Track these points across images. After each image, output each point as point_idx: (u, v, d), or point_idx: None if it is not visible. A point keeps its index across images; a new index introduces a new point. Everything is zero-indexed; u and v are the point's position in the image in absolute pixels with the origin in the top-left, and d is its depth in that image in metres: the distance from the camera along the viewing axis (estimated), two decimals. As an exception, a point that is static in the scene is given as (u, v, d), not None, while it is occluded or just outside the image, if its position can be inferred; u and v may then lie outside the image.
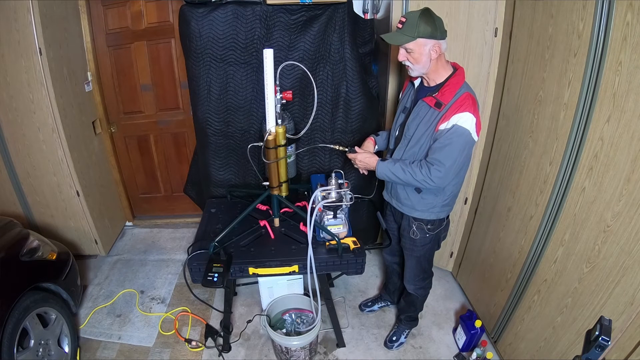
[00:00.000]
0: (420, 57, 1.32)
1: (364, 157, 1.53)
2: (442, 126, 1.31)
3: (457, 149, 1.30)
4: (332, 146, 1.63)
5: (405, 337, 1.94)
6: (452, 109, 1.30)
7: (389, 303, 2.13)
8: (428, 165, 1.34)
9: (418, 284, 1.77)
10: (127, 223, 2.91)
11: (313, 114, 1.62)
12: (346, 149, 1.60)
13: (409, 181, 1.38)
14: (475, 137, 1.32)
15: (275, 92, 1.42)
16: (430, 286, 1.84)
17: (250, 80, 1.95)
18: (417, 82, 1.47)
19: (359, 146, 1.62)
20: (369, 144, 1.66)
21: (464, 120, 1.28)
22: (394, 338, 1.92)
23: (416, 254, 1.64)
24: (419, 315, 1.98)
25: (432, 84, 1.39)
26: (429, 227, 1.54)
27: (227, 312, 1.82)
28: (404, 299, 1.92)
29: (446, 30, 1.31)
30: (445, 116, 1.31)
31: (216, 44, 1.85)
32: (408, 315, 1.92)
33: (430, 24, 1.26)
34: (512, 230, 1.67)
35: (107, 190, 2.60)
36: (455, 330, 1.99)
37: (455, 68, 1.39)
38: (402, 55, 1.35)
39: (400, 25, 1.31)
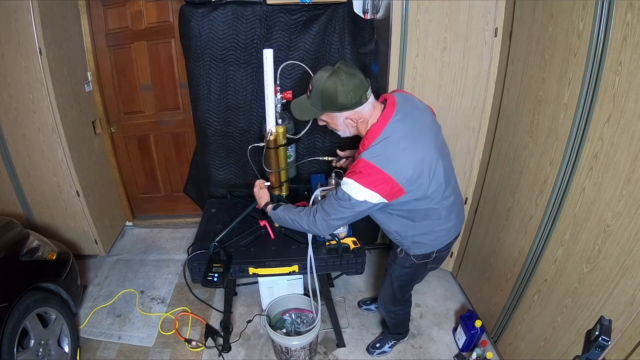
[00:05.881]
0: (337, 127, 1.25)
1: (257, 192, 1.54)
2: (340, 181, 1.22)
3: (339, 206, 1.20)
4: (321, 158, 1.60)
5: (390, 348, 1.89)
6: (348, 170, 1.21)
7: None
8: (316, 212, 1.27)
9: (388, 308, 1.71)
10: (127, 223, 2.91)
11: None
12: (333, 158, 1.59)
13: (297, 228, 1.34)
14: (361, 199, 1.15)
15: (276, 92, 1.42)
16: (405, 312, 1.77)
17: (250, 80, 1.96)
18: None
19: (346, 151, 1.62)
20: (354, 153, 1.60)
21: (345, 184, 1.18)
22: (377, 345, 1.88)
23: (392, 272, 1.56)
24: (407, 329, 1.91)
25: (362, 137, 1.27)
26: (413, 254, 1.44)
27: (227, 312, 1.82)
28: None
29: (367, 93, 1.16)
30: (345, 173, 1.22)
31: (216, 44, 1.86)
32: (387, 330, 1.89)
33: (337, 96, 1.13)
34: (512, 230, 1.67)
35: (107, 190, 2.60)
36: (455, 330, 1.99)
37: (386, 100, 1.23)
38: (319, 122, 1.28)
39: (308, 93, 1.20)
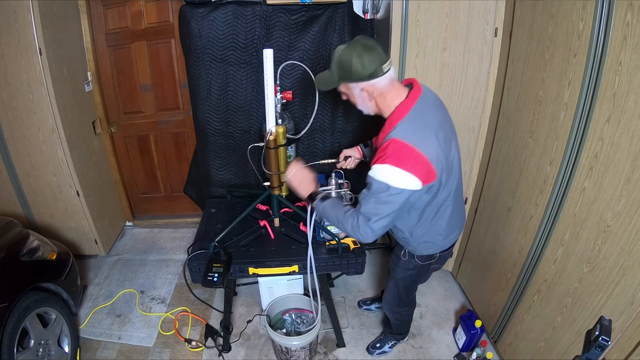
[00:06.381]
0: (355, 100, 1.21)
1: (300, 178, 1.37)
2: (369, 172, 1.16)
3: (378, 202, 1.13)
4: (322, 162, 1.62)
5: (390, 348, 1.89)
6: (376, 157, 1.14)
7: None
8: (357, 215, 1.19)
9: (393, 309, 1.71)
10: (127, 223, 2.91)
11: (314, 114, 1.62)
12: (333, 161, 1.59)
13: (340, 229, 1.27)
14: (400, 186, 1.09)
15: (276, 92, 1.42)
16: (409, 314, 1.79)
17: (250, 80, 1.96)
18: None
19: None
20: (354, 152, 1.61)
21: (379, 172, 1.11)
22: (378, 345, 1.88)
23: (395, 275, 1.55)
24: (408, 330, 1.92)
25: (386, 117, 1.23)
26: (418, 255, 1.44)
27: (227, 312, 1.82)
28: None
29: (383, 66, 1.11)
30: (373, 161, 1.15)
31: (216, 44, 1.86)
32: (389, 330, 1.89)
33: (351, 66, 1.10)
34: (512, 230, 1.67)
35: (107, 190, 2.60)
36: (455, 330, 1.99)
37: (411, 86, 1.21)
38: (342, 96, 1.25)
39: (330, 66, 1.19)
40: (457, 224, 1.40)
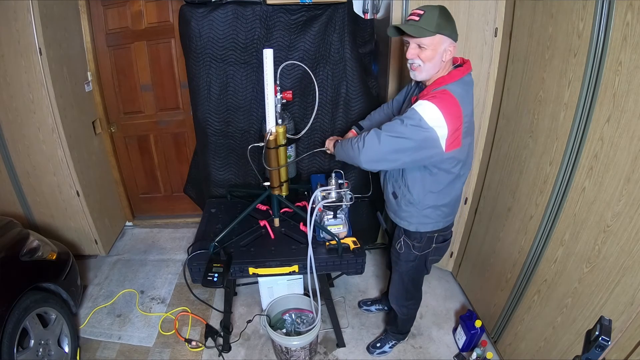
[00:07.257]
0: (434, 56, 1.20)
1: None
2: (412, 105, 1.22)
3: (402, 125, 1.19)
4: (319, 149, 1.63)
5: (390, 348, 1.89)
6: (422, 98, 1.21)
7: (386, 307, 2.11)
8: (373, 129, 1.25)
9: (400, 302, 1.72)
10: (127, 223, 2.91)
11: (314, 114, 1.62)
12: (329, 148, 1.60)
13: (347, 148, 1.33)
14: (431, 124, 1.15)
15: (276, 92, 1.42)
16: (415, 309, 1.79)
17: (250, 80, 1.95)
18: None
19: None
20: (351, 135, 1.63)
21: (421, 105, 1.17)
22: (378, 345, 1.89)
23: (399, 269, 1.59)
24: (410, 328, 1.92)
25: (428, 84, 1.29)
26: (415, 243, 1.47)
27: (227, 312, 1.82)
28: (390, 311, 1.87)
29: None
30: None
31: (216, 44, 1.85)
32: (392, 328, 1.89)
33: (450, 22, 1.19)
34: (512, 230, 1.67)
35: (107, 190, 2.60)
36: (455, 330, 1.99)
37: (461, 64, 1.28)
38: (412, 53, 1.22)
39: (416, 18, 1.18)
40: (456, 207, 1.47)
